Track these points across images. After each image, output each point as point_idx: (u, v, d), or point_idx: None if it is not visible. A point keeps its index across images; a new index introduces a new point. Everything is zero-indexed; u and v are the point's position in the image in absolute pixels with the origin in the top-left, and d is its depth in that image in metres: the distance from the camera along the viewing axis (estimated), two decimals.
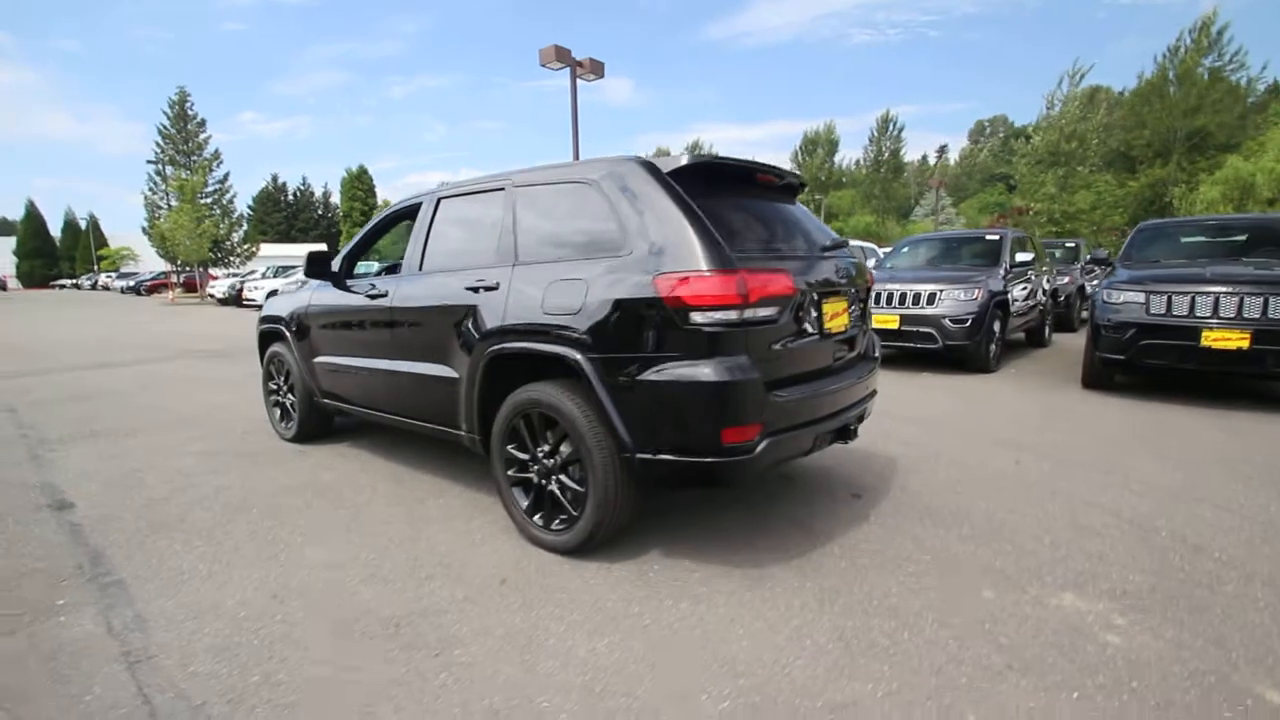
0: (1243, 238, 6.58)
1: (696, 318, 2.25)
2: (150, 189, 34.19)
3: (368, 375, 3.69)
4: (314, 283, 4.28)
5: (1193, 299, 5.25)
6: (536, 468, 2.74)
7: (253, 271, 28.38)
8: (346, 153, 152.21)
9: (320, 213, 73.35)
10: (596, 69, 16.38)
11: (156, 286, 36.53)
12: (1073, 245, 12.66)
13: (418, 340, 3.30)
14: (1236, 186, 34.54)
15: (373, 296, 3.56)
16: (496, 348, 2.77)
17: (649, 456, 2.37)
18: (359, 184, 57.97)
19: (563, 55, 15.48)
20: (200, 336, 12.86)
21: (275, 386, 4.68)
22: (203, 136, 35.21)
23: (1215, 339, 5.08)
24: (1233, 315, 5.07)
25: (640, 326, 2.33)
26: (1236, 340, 5.01)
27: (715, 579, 2.48)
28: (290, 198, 72.87)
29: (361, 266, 4.54)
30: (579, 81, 16.31)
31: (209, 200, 32.33)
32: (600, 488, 2.48)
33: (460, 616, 2.25)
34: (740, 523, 3.00)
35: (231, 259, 33.33)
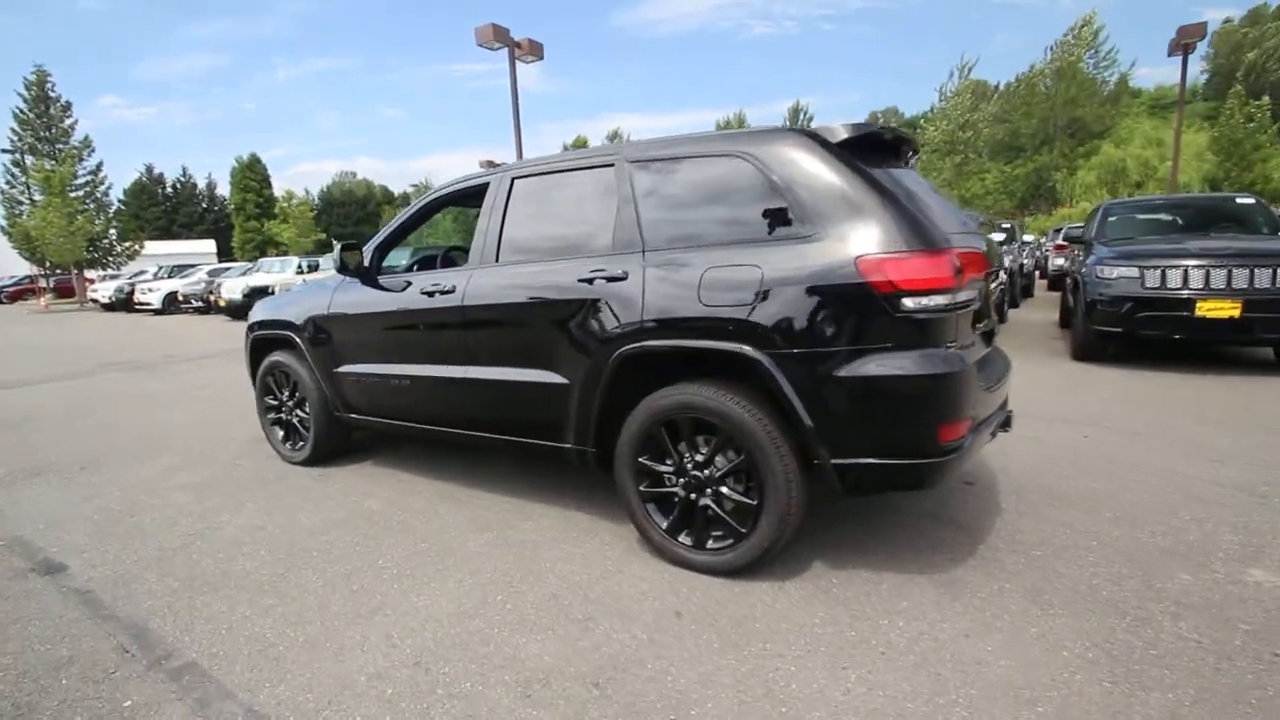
0: (1200, 216, 7.11)
1: (908, 303, 2.00)
2: (8, 182, 29.82)
3: (422, 385, 3.19)
4: (330, 280, 3.69)
5: (1185, 272, 5.55)
6: (682, 481, 2.41)
7: (142, 272, 25.45)
8: (231, 141, 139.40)
9: (205, 206, 66.99)
10: (535, 50, 15.67)
11: (21, 293, 32.18)
12: (1008, 226, 13.40)
13: (505, 342, 2.86)
14: (1109, 171, 38.29)
15: (431, 293, 3.06)
16: (632, 347, 2.41)
17: (848, 462, 2.11)
18: (251, 174, 53.58)
19: (501, 35, 14.68)
20: (107, 347, 11.30)
21: (277, 403, 4.03)
22: (68, 122, 31.02)
23: (1209, 309, 5.39)
24: (1223, 286, 5.40)
25: (839, 316, 2.06)
26: (1229, 310, 5.34)
27: (907, 590, 2.26)
28: (169, 190, 66.06)
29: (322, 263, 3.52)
30: (512, 64, 15.55)
31: (80, 194, 28.65)
32: (780, 500, 2.19)
33: (663, 665, 1.91)
34: (872, 521, 2.80)
35: (110, 259, 29.72)
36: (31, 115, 30.25)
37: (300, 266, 17.52)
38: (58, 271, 29.60)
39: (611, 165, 2.63)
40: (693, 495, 2.40)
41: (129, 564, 2.72)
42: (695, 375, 2.38)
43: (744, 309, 2.17)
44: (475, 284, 2.91)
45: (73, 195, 27.48)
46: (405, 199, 60.74)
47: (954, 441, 2.08)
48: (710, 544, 2.39)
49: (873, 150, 2.35)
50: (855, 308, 2.04)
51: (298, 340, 3.73)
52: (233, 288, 16.10)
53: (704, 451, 2.37)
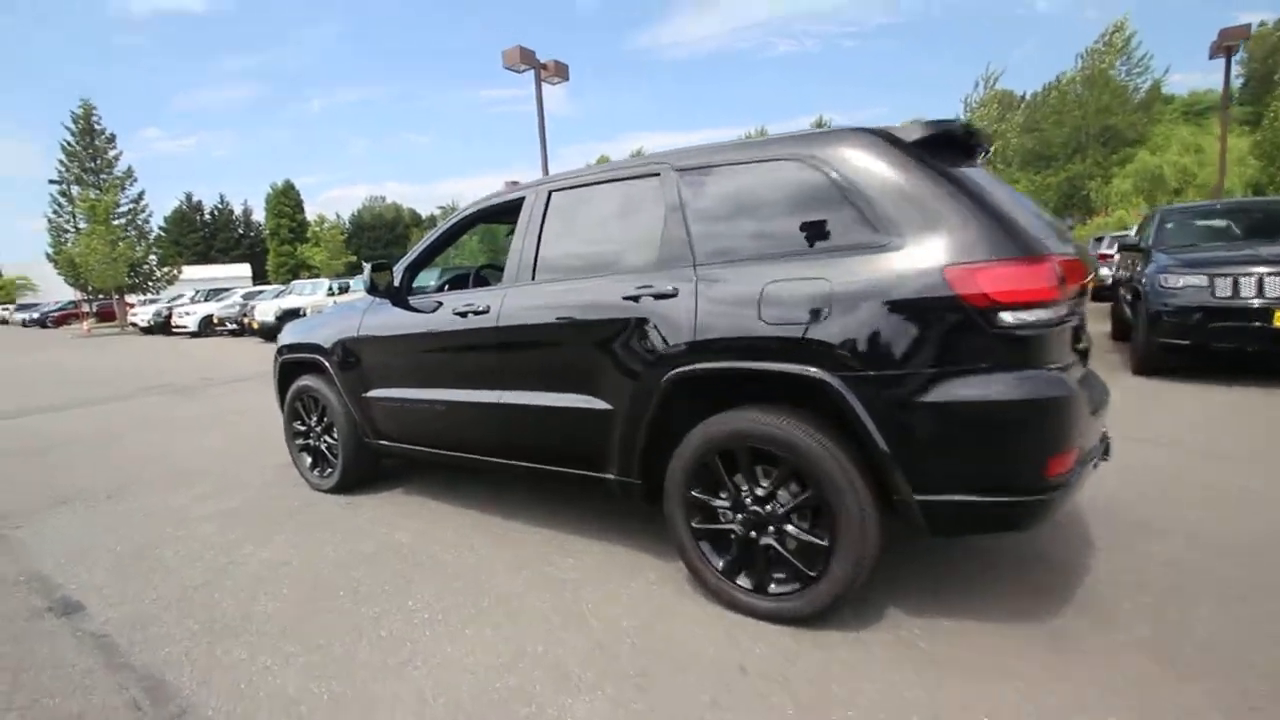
0: (1262, 221, 6.68)
1: (1007, 318, 1.76)
2: (55, 211, 31.00)
3: (453, 411, 3.02)
4: (360, 302, 3.55)
5: (1260, 280, 5.16)
6: (740, 517, 2.18)
7: (179, 296, 26.12)
8: (264, 169, 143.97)
9: (241, 231, 69.07)
10: (561, 72, 15.77)
11: (66, 317, 33.24)
12: None
13: (542, 365, 2.67)
14: (1146, 178, 37.21)
15: (464, 313, 2.89)
16: (683, 370, 2.20)
17: (936, 499, 1.86)
18: (285, 199, 55.00)
19: (527, 57, 14.81)
20: (143, 370, 11.45)
21: (305, 428, 3.90)
22: (113, 153, 32.20)
23: None
24: None
25: (923, 333, 1.82)
26: None
27: (1003, 644, 1.99)
28: (207, 216, 68.28)
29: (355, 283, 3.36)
30: (538, 86, 15.64)
31: (123, 221, 29.61)
32: (854, 541, 1.95)
33: None
34: (950, 557, 2.53)
35: (150, 283, 30.59)
36: (78, 147, 31.47)
37: (331, 288, 17.77)
38: (100, 297, 30.51)
39: (657, 175, 2.44)
40: (752, 533, 2.16)
41: (148, 604, 2.56)
42: (754, 400, 2.16)
43: (811, 327, 1.94)
44: (510, 304, 2.74)
45: (115, 223, 28.39)
46: (433, 221, 61.82)
47: (1061, 476, 1.81)
48: (773, 588, 2.14)
49: (946, 149, 2.12)
50: (943, 324, 1.80)
51: (326, 364, 3.60)
52: (266, 310, 16.33)
53: (765, 485, 2.14)
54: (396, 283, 3.26)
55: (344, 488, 3.74)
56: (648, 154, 2.52)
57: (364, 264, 3.18)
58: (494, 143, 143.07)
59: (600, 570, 2.63)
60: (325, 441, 3.78)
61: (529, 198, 2.85)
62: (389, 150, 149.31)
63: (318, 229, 39.07)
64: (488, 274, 3.86)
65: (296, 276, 39.71)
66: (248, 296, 21.00)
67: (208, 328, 19.75)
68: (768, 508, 2.12)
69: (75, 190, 30.79)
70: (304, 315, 14.35)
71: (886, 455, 1.88)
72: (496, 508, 3.40)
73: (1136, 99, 38.00)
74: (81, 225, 29.02)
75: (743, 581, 2.20)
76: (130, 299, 29.98)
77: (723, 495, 2.23)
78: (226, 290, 23.97)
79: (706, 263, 2.23)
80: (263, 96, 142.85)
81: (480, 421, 2.92)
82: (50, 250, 30.80)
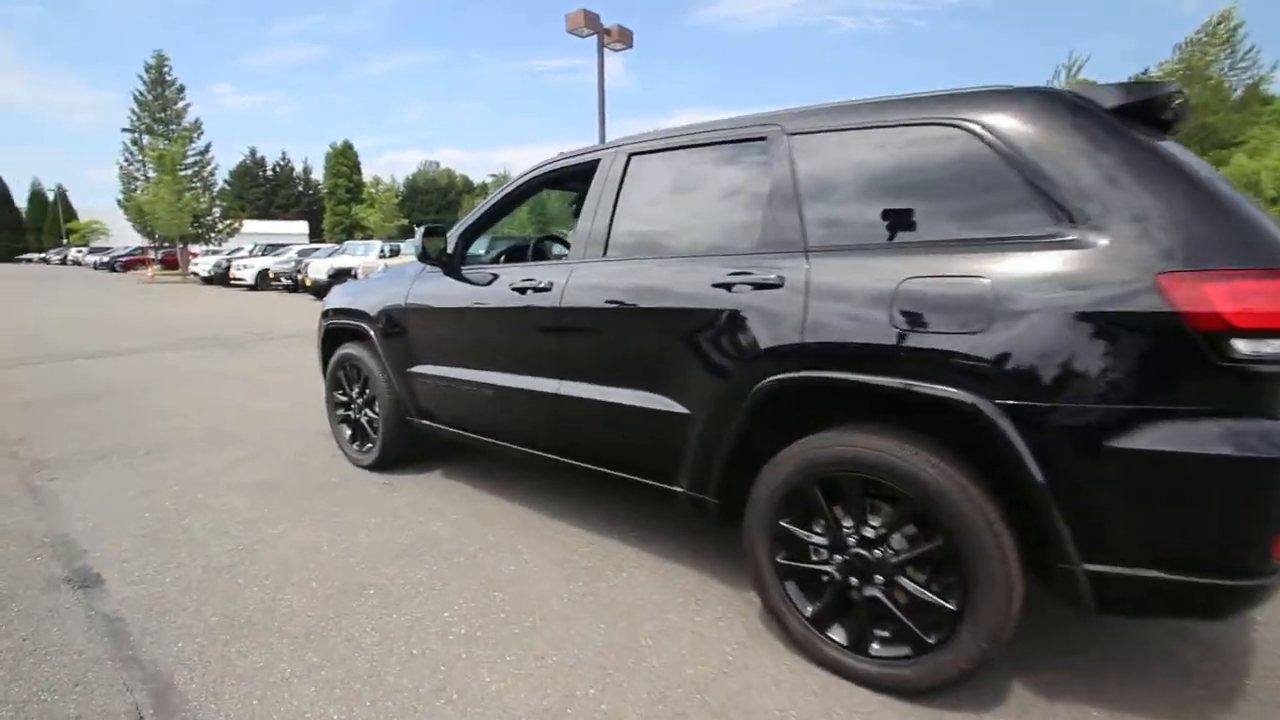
0: None
1: (1244, 348, 1.32)
2: (126, 159, 32.12)
3: (505, 398, 2.72)
4: (410, 268, 3.27)
5: None
6: (840, 560, 1.81)
7: (239, 249, 26.82)
8: (325, 129, 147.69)
9: (301, 189, 70.75)
10: (624, 38, 15.22)
11: (133, 263, 34.62)
12: None
13: (610, 356, 2.33)
14: (1241, 183, 34.50)
15: (523, 289, 2.57)
16: (784, 377, 1.83)
17: (1115, 571, 1.46)
18: (344, 159, 55.98)
19: (591, 21, 14.31)
20: (197, 320, 11.65)
21: (346, 399, 3.67)
22: (181, 104, 33.18)
23: None
24: None
25: (1123, 359, 1.40)
26: None
27: None
28: (270, 173, 70.12)
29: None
30: (600, 51, 15.14)
31: (189, 173, 30.48)
32: (996, 610, 1.56)
33: None
34: (1072, 628, 2.11)
35: (213, 235, 31.51)
36: (149, 97, 32.46)
37: (383, 250, 17.82)
38: (165, 245, 31.58)
39: (763, 139, 2.05)
40: (854, 580, 1.79)
41: (169, 584, 2.36)
42: (870, 419, 1.77)
43: (962, 337, 1.54)
44: (577, 282, 2.39)
45: (182, 174, 29.22)
46: (484, 189, 62.05)
47: None
48: (875, 649, 1.78)
49: (1139, 120, 1.66)
50: (1151, 347, 1.38)
51: (370, 333, 3.34)
52: (319, 268, 16.48)
53: (877, 525, 1.76)
54: (450, 250, 2.95)
55: (383, 465, 3.50)
56: (754, 113, 2.12)
57: (416, 228, 2.85)
58: (548, 113, 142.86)
59: (660, 594, 2.31)
60: (366, 415, 3.55)
61: (604, 161, 2.49)
62: (443, 116, 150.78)
63: (373, 190, 39.58)
64: (547, 246, 3.54)
65: (351, 236, 40.43)
66: (303, 254, 21.31)
67: (264, 282, 20.13)
68: (877, 553, 1.75)
69: (146, 139, 31.79)
70: (355, 276, 14.40)
71: (1052, 510, 1.48)
72: (543, 505, 3.11)
73: (1235, 96, 35.09)
74: (150, 174, 29.97)
75: (836, 635, 1.84)
76: (194, 249, 30.97)
77: (819, 530, 1.86)
78: (283, 246, 24.45)
79: (822, 248, 1.84)
80: (323, 57, 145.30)
81: (534, 412, 2.61)
82: (120, 197, 31.96)
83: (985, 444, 1.55)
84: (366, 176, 51.73)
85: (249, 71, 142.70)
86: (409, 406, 3.26)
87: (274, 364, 7.02)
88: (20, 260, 55.82)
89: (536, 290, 2.52)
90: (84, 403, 5.16)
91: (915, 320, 1.61)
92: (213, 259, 24.52)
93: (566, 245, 3.46)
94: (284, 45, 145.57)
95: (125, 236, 45.06)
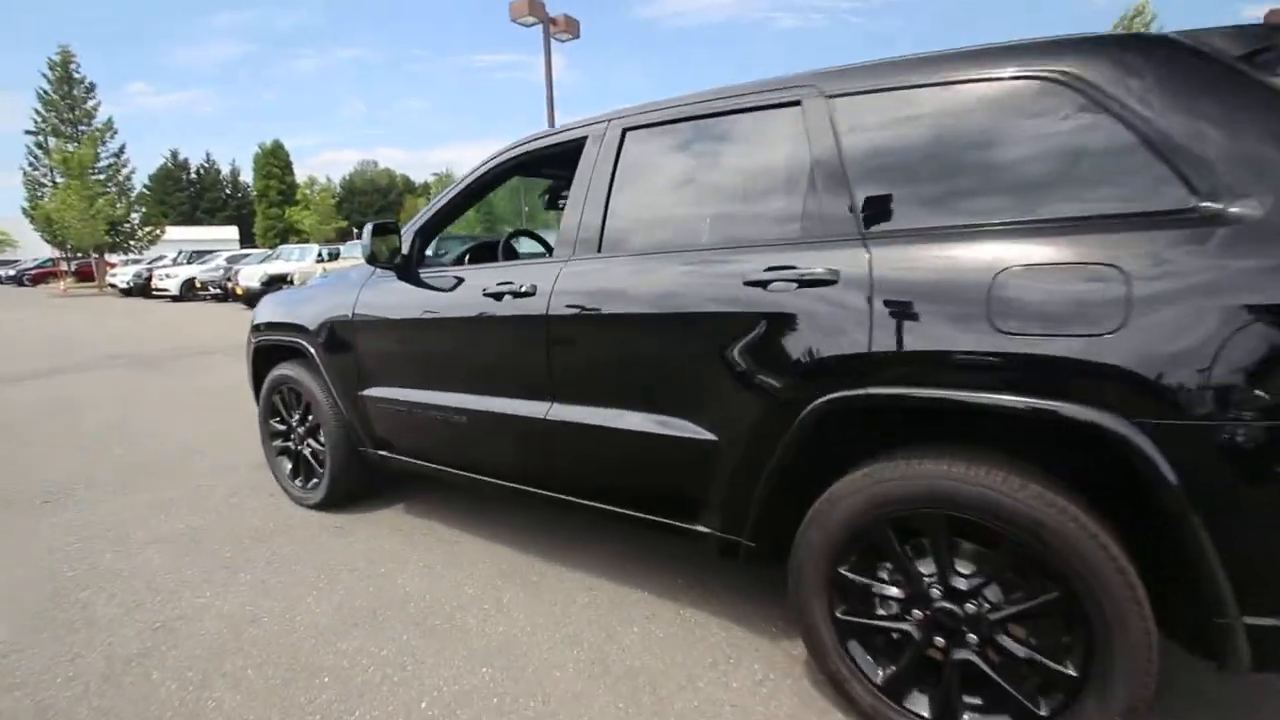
0: None
1: None
2: (31, 164, 29.53)
3: (482, 424, 2.28)
4: (355, 273, 2.79)
5: None
6: (919, 614, 1.48)
7: (161, 257, 24.98)
8: (255, 129, 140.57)
9: (229, 192, 67.01)
10: (571, 27, 14.68)
11: (43, 276, 31.96)
12: None
13: (612, 372, 1.94)
14: None
15: (499, 295, 2.14)
16: (845, 394, 1.48)
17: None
18: (274, 160, 53.10)
19: (536, 9, 13.73)
20: (113, 336, 10.60)
21: (284, 427, 3.15)
22: (91, 103, 30.68)
23: None
24: None
25: None
26: None
27: None
28: (193, 175, 66.12)
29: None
30: (546, 41, 14.59)
31: (102, 177, 28.24)
32: (1132, 675, 1.25)
33: None
34: (1203, 687, 1.84)
35: (132, 243, 29.29)
36: (56, 96, 29.93)
37: (321, 254, 16.81)
38: (79, 255, 29.24)
39: (797, 104, 1.69)
40: (939, 640, 1.46)
41: (58, 688, 1.84)
42: (957, 443, 1.44)
43: (1090, 342, 1.22)
44: (568, 285, 1.98)
45: (94, 178, 27.04)
46: (427, 190, 60.06)
47: None
48: None
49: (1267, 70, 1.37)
50: None
51: (311, 350, 2.84)
52: (251, 275, 15.40)
53: (968, 573, 1.43)
54: (405, 250, 2.49)
55: (332, 503, 3.01)
56: (784, 75, 1.75)
57: (355, 229, 2.36)
58: (490, 111, 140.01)
59: (683, 653, 1.93)
60: (310, 446, 3.04)
61: (592, 139, 2.09)
62: (382, 115, 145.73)
63: (307, 191, 37.67)
64: (519, 242, 3.10)
65: (285, 241, 38.40)
66: (232, 260, 19.99)
67: (189, 292, 18.77)
68: (970, 606, 1.42)
69: (53, 142, 29.31)
70: (291, 283, 13.47)
71: (1209, 554, 1.17)
72: (527, 542, 2.69)
73: None
74: (59, 180, 27.63)
75: (917, 706, 1.51)
76: (111, 259, 28.73)
77: (891, 579, 1.53)
78: (211, 253, 22.88)
79: (884, 234, 1.50)
80: (251, 54, 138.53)
81: (518, 441, 2.19)
82: (25, 205, 29.41)
83: (1120, 474, 1.23)
84: (300, 177, 49.27)
85: (168, 69, 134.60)
86: (361, 436, 2.78)
87: (201, 384, 6.31)
88: None
89: (517, 295, 2.09)
90: None
91: (1023, 320, 1.28)
92: (133, 269, 22.76)
93: (543, 244, 3.03)
94: (208, 41, 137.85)
95: (35, 248, 41.62)
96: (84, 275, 29.47)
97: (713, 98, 1.87)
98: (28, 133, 29.03)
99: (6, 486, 3.47)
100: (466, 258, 2.89)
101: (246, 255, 20.62)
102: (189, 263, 21.39)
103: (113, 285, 23.65)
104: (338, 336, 2.73)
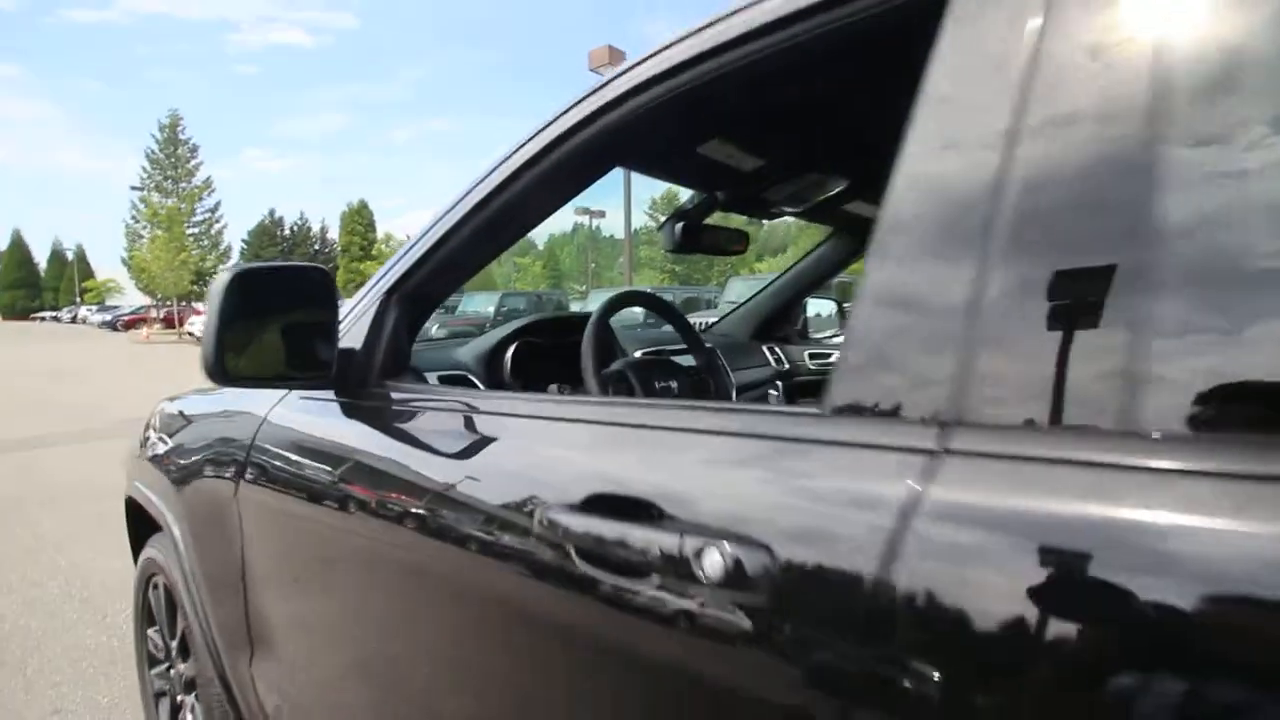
0: None
1: None
2: (133, 217, 31.43)
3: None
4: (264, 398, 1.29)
5: None
6: None
7: None
8: (349, 190, 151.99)
9: (317, 247, 70.83)
10: None
11: (134, 322, 33.52)
12: None
13: None
14: None
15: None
16: None
17: None
18: (359, 218, 55.74)
19: (616, 58, 12.98)
20: (161, 390, 9.79)
21: (162, 649, 1.65)
22: (193, 163, 32.69)
23: None
24: None
25: None
26: None
27: None
28: (287, 232, 70.44)
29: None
30: None
31: (196, 230, 29.61)
32: None
33: None
34: None
35: None
36: (162, 155, 31.99)
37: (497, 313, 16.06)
38: (166, 303, 30.45)
39: None
40: None
41: None
42: None
43: None
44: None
45: (190, 232, 28.30)
46: None
47: None
48: None
49: None
50: None
51: (175, 532, 1.35)
52: None
53: None
54: (362, 342, 0.98)
55: None
56: None
57: None
58: None
59: None
60: (190, 699, 1.51)
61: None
62: (464, 175, 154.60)
63: (384, 247, 38.74)
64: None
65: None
66: None
67: None
68: None
69: (156, 197, 31.14)
70: None
71: None
72: None
73: None
74: (159, 232, 29.11)
75: None
76: (199, 306, 29.76)
77: None
78: None
79: None
80: (352, 124, 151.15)
81: None
82: (124, 255, 31.12)
83: None
84: (382, 233, 51.30)
85: (278, 137, 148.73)
86: (245, 697, 1.23)
87: None
88: (34, 318, 55.63)
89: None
90: None
91: None
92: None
93: (664, 315, 1.52)
94: (317, 111, 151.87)
95: (137, 296, 44.49)
96: (170, 323, 30.62)
97: None
98: (133, 188, 31.00)
99: None
100: (511, 353, 1.35)
101: None
102: None
103: (190, 333, 24.06)
104: (215, 513, 1.22)
